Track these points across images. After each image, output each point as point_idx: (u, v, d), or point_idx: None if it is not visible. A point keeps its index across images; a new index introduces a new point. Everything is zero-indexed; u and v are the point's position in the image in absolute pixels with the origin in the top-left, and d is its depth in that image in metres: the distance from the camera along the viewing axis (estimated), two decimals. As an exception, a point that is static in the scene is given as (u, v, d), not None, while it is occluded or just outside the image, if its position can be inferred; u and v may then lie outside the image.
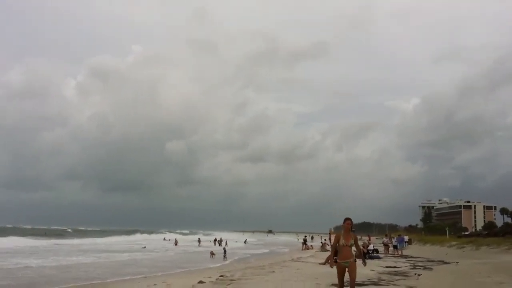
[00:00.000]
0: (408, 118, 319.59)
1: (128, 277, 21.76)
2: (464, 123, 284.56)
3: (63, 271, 24.71)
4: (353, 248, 10.04)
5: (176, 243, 61.37)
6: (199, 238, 68.58)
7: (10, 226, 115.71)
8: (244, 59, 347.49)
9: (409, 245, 49.54)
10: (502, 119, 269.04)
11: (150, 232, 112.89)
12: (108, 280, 20.73)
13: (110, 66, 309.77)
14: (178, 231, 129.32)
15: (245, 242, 77.39)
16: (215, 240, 63.39)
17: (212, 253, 38.33)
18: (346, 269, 9.61)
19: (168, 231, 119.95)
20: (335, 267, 10.03)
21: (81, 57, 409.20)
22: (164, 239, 79.40)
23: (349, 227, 9.79)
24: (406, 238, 54.71)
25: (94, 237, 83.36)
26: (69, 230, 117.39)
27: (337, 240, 9.82)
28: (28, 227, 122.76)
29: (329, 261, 10.25)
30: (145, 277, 21.75)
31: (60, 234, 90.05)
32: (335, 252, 10.08)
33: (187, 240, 69.76)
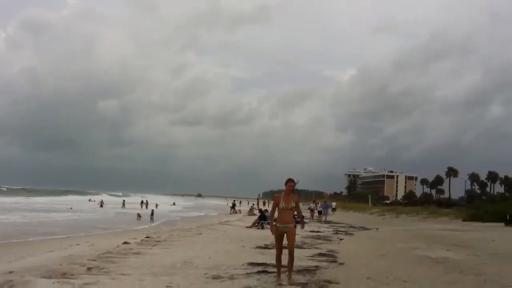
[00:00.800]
0: (343, 89, 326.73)
1: (50, 237, 21.24)
2: (395, 96, 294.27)
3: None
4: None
5: (101, 204, 60.02)
6: (123, 200, 67.38)
7: None
8: (184, 20, 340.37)
9: (332, 212, 51.25)
10: (432, 93, 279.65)
11: (79, 193, 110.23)
12: (29, 239, 20.15)
13: (42, 20, 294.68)
14: (109, 192, 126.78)
15: (173, 204, 77.17)
16: (142, 202, 62.71)
17: (138, 215, 37.93)
18: (285, 235, 8.79)
19: (98, 193, 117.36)
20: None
21: (11, 9, 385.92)
22: (90, 200, 77.77)
23: (291, 189, 8.93)
24: (334, 204, 56.49)
25: (19, 196, 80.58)
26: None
27: (276, 202, 9.00)
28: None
29: (270, 227, 9.24)
30: (69, 237, 21.31)
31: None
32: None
33: (116, 202, 68.54)
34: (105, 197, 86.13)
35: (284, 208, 8.77)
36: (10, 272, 10.37)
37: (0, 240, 19.37)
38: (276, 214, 9.20)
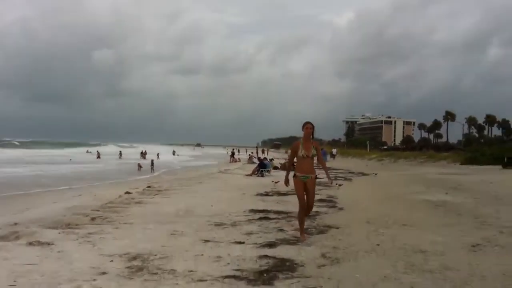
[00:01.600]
0: (341, 33, 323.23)
1: (52, 188, 21.42)
2: (394, 40, 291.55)
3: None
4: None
5: (98, 156, 60.20)
6: (120, 151, 67.61)
7: None
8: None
9: (333, 158, 51.57)
10: (430, 37, 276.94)
11: (76, 145, 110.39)
12: (32, 191, 20.33)
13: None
14: (107, 143, 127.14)
15: (173, 153, 77.49)
16: (141, 152, 62.98)
17: (139, 166, 38.16)
18: (305, 185, 7.79)
19: (96, 144, 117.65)
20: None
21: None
22: (87, 151, 78.05)
23: (310, 133, 7.89)
24: (334, 151, 56.73)
25: (18, 148, 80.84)
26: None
27: (295, 150, 7.96)
28: None
29: (285, 179, 8.37)
30: (71, 188, 21.51)
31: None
32: (291, 165, 8.29)
33: (114, 153, 68.77)
34: (103, 148, 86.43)
35: (304, 156, 7.78)
36: (15, 224, 10.52)
37: (3, 192, 19.54)
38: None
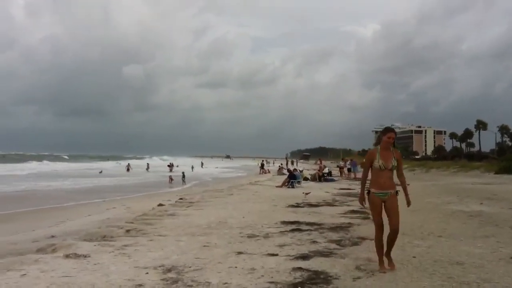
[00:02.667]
0: (366, 44, 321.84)
1: (86, 201, 21.77)
2: (421, 50, 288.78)
3: (21, 196, 24.51)
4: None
5: (128, 168, 60.89)
6: (147, 164, 68.24)
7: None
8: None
9: (361, 169, 51.09)
10: (458, 46, 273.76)
11: (106, 158, 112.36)
12: (65, 204, 20.70)
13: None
14: (137, 156, 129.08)
15: (201, 166, 77.58)
16: (169, 165, 63.41)
17: (170, 178, 38.52)
18: (383, 204, 6.55)
19: (125, 157, 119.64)
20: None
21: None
22: (117, 163, 79.23)
23: (391, 143, 6.64)
24: None
25: (50, 161, 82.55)
26: (24, 154, 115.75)
27: (370, 160, 6.68)
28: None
29: (359, 196, 6.92)
30: (104, 200, 21.84)
31: (16, 159, 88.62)
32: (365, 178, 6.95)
33: (144, 166, 69.62)
34: (133, 161, 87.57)
35: (382, 168, 6.51)
36: (52, 236, 10.74)
37: (39, 205, 19.96)
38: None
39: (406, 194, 6.90)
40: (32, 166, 64.27)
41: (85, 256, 7.19)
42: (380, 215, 6.55)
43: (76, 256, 7.22)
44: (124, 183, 38.08)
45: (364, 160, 6.55)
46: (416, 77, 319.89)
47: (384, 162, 6.52)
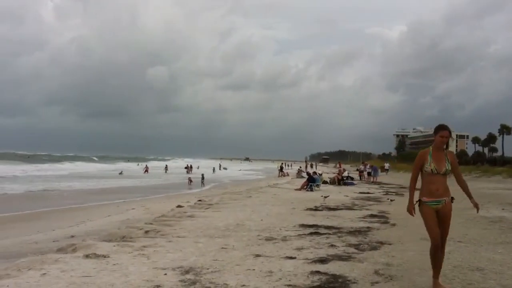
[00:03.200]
0: (392, 47, 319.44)
1: (106, 202, 21.97)
2: (448, 52, 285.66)
3: (40, 196, 24.86)
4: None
5: (146, 170, 61.33)
6: (166, 165, 68.39)
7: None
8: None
9: (385, 173, 50.72)
10: (486, 49, 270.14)
11: (128, 159, 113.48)
12: (85, 205, 20.93)
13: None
14: (158, 158, 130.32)
15: (219, 168, 77.65)
16: (187, 167, 63.58)
17: (189, 180, 38.74)
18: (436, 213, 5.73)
19: (146, 158, 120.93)
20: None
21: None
22: (138, 165, 79.95)
23: (445, 142, 5.81)
24: (387, 165, 55.53)
25: (73, 161, 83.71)
26: (46, 155, 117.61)
27: (420, 162, 5.81)
28: (11, 151, 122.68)
29: (408, 205, 5.90)
30: (124, 201, 22.03)
31: (41, 159, 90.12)
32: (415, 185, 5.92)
33: (171, 167, 70.07)
34: (154, 163, 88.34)
35: (434, 172, 5.67)
36: (72, 236, 10.88)
37: (59, 206, 20.22)
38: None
39: (471, 197, 6.12)
40: (65, 167, 65.69)
41: (105, 257, 7.26)
42: (436, 226, 5.68)
43: (96, 256, 7.28)
44: (143, 184, 38.39)
45: (415, 160, 5.71)
46: (441, 80, 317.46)
47: (436, 165, 5.64)
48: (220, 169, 75.79)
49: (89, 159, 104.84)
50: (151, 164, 75.97)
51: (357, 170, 42.53)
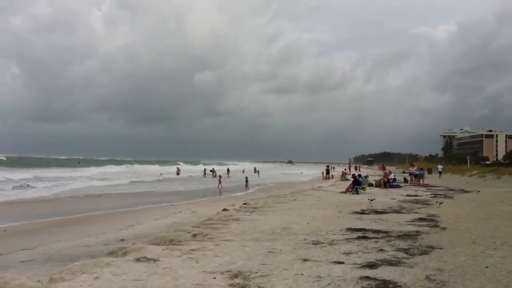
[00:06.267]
0: (440, 46, 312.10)
1: (154, 205, 22.36)
2: (499, 51, 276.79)
3: (89, 201, 25.52)
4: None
5: (178, 172, 64.28)
6: (204, 169, 67.32)
7: (43, 156, 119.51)
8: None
9: (429, 175, 49.65)
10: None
11: (173, 163, 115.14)
12: (136, 208, 21.36)
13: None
14: (204, 162, 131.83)
15: (254, 171, 74.50)
16: (208, 170, 62.65)
17: (219, 184, 39.28)
18: None
19: (197, 162, 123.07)
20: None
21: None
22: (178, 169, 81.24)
23: None
24: (440, 167, 53.89)
25: (120, 164, 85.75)
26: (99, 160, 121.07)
27: None
28: (65, 157, 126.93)
29: None
30: (171, 205, 22.35)
31: (91, 164, 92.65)
32: None
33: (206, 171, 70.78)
34: (198, 167, 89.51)
35: None
36: (122, 240, 11.12)
37: (110, 209, 20.71)
38: None
39: None
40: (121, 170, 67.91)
41: (155, 260, 7.38)
42: None
43: (146, 259, 7.41)
44: (189, 187, 38.90)
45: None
46: (492, 80, 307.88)
47: None
48: (255, 172, 72.62)
49: (148, 162, 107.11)
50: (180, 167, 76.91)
51: (410, 174, 41.04)
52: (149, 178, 52.26)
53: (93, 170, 64.20)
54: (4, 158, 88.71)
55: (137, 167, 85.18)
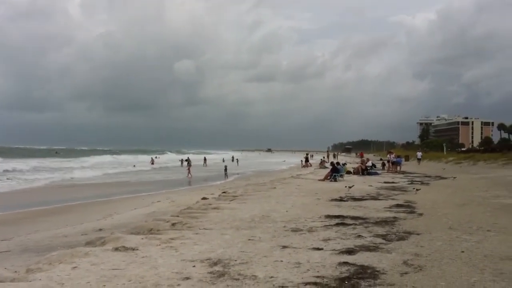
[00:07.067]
0: (420, 35, 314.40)
1: (131, 195, 22.22)
2: (477, 40, 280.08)
3: (66, 191, 25.27)
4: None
5: (152, 162, 65.27)
6: (181, 160, 66.02)
7: (21, 146, 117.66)
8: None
9: (406, 162, 50.16)
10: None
11: (150, 152, 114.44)
12: (114, 198, 21.20)
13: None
14: (183, 151, 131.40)
15: (232, 160, 75.62)
16: (183, 160, 59.89)
17: (188, 172, 39.32)
18: None
19: (165, 151, 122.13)
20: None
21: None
22: (156, 157, 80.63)
23: None
24: (419, 155, 54.43)
25: (100, 154, 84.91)
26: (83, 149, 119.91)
27: None
28: (43, 147, 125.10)
29: None
30: (149, 194, 22.24)
31: (68, 154, 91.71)
32: None
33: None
34: (173, 155, 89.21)
35: None
36: (100, 230, 11.03)
37: (88, 199, 20.52)
38: None
39: None
40: (92, 160, 67.30)
41: (133, 249, 7.33)
42: None
43: (125, 249, 7.37)
44: (162, 177, 38.74)
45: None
46: (469, 68, 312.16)
47: None
48: (233, 161, 73.20)
49: (112, 152, 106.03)
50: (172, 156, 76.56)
51: (387, 160, 41.38)
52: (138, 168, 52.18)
53: (77, 161, 63.22)
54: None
55: (123, 157, 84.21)
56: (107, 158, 78.27)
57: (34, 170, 41.77)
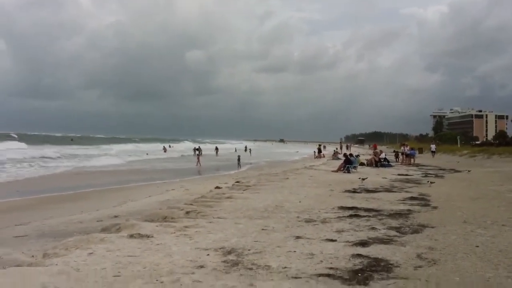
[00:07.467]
0: (432, 27, 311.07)
1: (146, 183, 22.36)
2: (490, 32, 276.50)
3: (81, 178, 25.49)
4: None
5: (164, 150, 67.50)
6: (194, 148, 64.90)
7: (37, 133, 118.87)
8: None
9: (420, 154, 49.81)
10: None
11: (165, 141, 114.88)
12: (128, 185, 21.36)
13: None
14: (193, 140, 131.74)
15: (245, 150, 74.75)
16: (195, 149, 57.00)
17: (198, 161, 39.49)
18: None
19: (187, 140, 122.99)
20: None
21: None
22: (170, 146, 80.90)
23: None
24: (433, 147, 54.07)
25: (118, 143, 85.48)
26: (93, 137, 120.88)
27: None
28: (58, 134, 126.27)
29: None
30: (164, 182, 22.38)
31: (85, 141, 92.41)
32: None
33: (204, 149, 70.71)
34: (190, 144, 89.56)
35: None
36: (115, 216, 11.14)
37: (102, 186, 20.69)
38: None
39: None
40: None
41: (148, 236, 7.41)
42: None
43: (140, 236, 7.44)
44: (183, 165, 38.92)
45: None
46: (483, 60, 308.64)
47: None
48: (246, 151, 72.34)
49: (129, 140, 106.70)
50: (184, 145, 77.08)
51: (401, 153, 41.05)
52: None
53: (99, 149, 63.54)
54: (15, 136, 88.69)
55: (144, 145, 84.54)
56: (129, 146, 78.83)
57: (63, 158, 42.16)
